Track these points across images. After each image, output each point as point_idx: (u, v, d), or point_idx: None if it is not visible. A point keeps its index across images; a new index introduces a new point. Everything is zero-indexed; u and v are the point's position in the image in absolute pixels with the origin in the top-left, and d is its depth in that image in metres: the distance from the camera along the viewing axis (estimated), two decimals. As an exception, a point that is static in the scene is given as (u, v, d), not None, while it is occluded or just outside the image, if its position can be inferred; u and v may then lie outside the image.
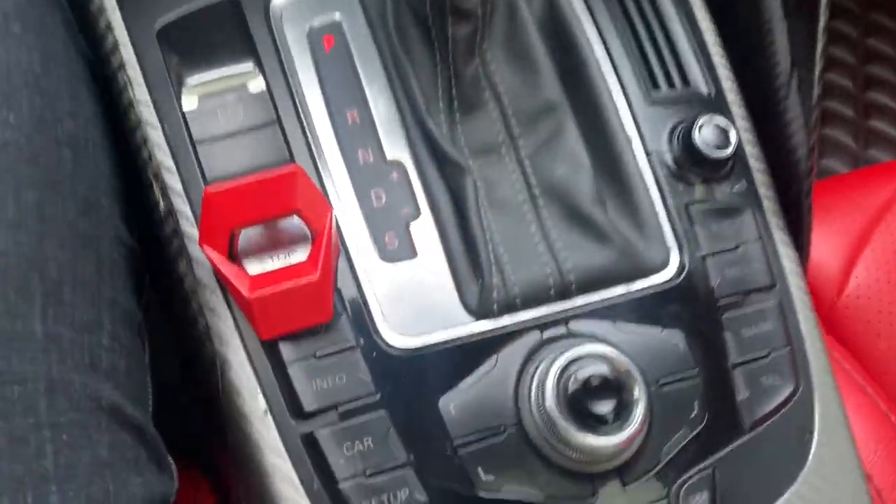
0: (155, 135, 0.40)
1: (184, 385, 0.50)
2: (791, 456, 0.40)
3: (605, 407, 0.35)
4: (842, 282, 0.67)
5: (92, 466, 0.31)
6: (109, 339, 0.34)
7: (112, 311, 0.35)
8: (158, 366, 0.40)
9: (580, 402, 0.36)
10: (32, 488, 0.28)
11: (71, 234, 0.33)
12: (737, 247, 0.43)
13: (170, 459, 0.37)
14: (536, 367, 0.38)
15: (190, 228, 0.40)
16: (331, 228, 0.38)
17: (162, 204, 0.39)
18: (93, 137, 0.38)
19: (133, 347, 0.36)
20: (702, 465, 0.39)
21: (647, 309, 0.41)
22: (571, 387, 0.36)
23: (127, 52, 0.40)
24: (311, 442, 0.36)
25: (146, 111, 0.40)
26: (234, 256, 0.39)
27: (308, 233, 0.40)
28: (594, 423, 0.36)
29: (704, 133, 0.43)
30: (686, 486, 0.38)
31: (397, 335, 0.39)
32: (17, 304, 0.30)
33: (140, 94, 0.40)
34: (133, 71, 0.40)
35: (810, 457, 0.40)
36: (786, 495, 0.40)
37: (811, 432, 0.41)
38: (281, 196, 0.37)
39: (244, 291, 0.36)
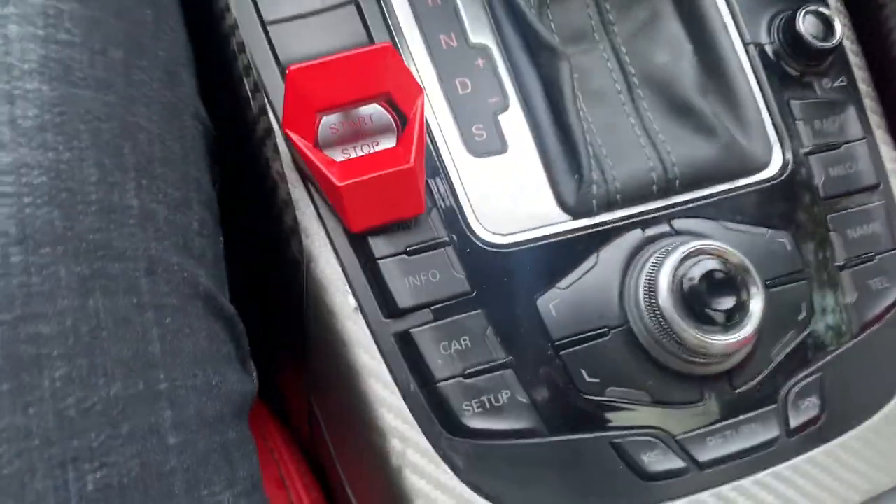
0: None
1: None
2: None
3: (726, 304, 0.33)
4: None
5: (194, 355, 0.28)
6: (198, 223, 0.31)
7: (198, 193, 0.32)
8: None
9: (697, 300, 0.33)
10: (142, 374, 0.26)
11: (158, 102, 0.30)
12: (840, 144, 0.41)
13: (251, 363, 0.35)
14: (644, 264, 0.35)
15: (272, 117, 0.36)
16: (423, 112, 0.35)
17: (246, 82, 0.36)
18: (168, 2, 0.34)
19: (216, 237, 0.33)
20: (810, 370, 0.37)
21: (752, 208, 0.38)
22: (687, 283, 0.34)
23: None
24: (405, 340, 0.34)
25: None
26: (316, 145, 0.36)
27: (391, 123, 0.37)
28: (710, 322, 0.33)
29: (808, 22, 0.40)
30: (795, 390, 0.37)
31: (490, 232, 0.36)
32: (112, 172, 0.27)
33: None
34: None
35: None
36: (895, 400, 0.38)
37: None
38: (371, 75, 0.34)
39: (334, 179, 0.34)
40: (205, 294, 0.30)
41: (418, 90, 0.35)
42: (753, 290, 0.34)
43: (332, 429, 0.39)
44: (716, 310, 0.33)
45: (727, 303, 0.33)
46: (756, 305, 0.34)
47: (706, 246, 0.34)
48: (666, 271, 0.34)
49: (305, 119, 0.34)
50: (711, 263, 0.34)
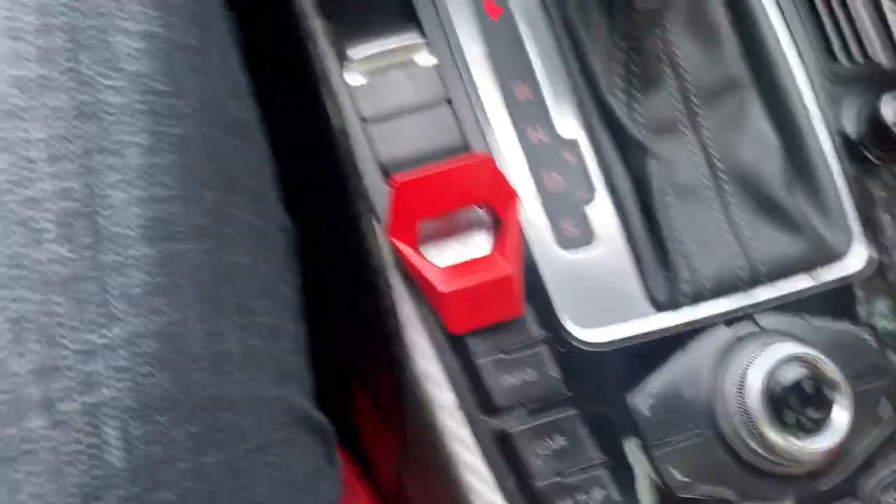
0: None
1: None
2: None
3: (819, 413, 0.34)
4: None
5: (294, 484, 0.29)
6: (292, 340, 0.32)
7: (288, 310, 0.33)
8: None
9: (787, 405, 0.34)
10: None
11: (250, 233, 0.31)
12: (925, 235, 0.41)
13: (335, 452, 0.36)
14: (735, 365, 0.36)
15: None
16: (518, 218, 0.36)
17: (350, 183, 0.37)
18: (253, 120, 0.34)
19: (303, 341, 0.34)
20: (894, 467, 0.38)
21: (836, 303, 0.39)
22: (778, 390, 0.35)
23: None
24: (503, 438, 0.36)
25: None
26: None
27: (483, 217, 0.38)
28: (797, 428, 0.35)
29: (891, 110, 0.41)
30: (882, 486, 0.38)
31: (582, 328, 0.37)
32: (215, 321, 0.28)
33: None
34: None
35: None
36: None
37: None
38: (471, 185, 0.36)
39: (439, 286, 0.35)
40: (300, 416, 0.31)
41: (513, 195, 0.36)
42: (844, 400, 0.35)
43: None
44: (810, 417, 0.34)
45: (818, 411, 0.34)
46: (844, 416, 0.35)
47: (801, 353, 0.35)
48: (757, 377, 0.35)
49: (409, 228, 0.35)
50: (804, 371, 0.35)
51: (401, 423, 0.39)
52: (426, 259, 0.36)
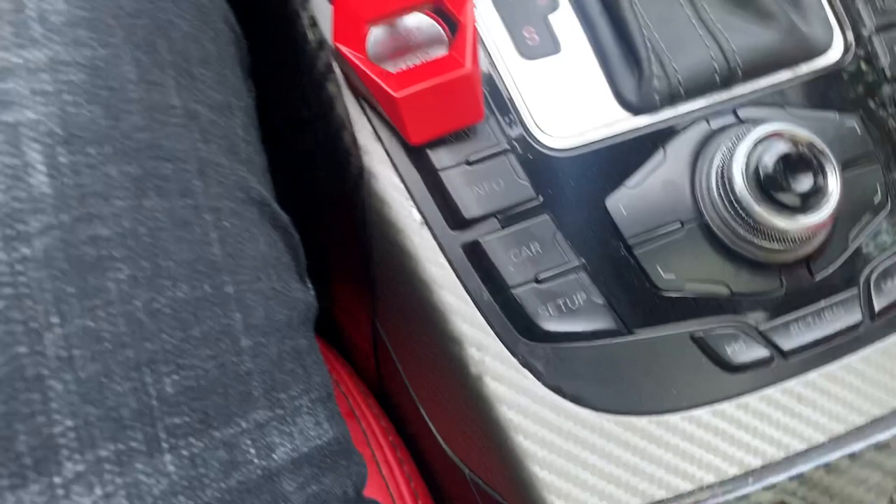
0: None
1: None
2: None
3: (804, 185, 0.32)
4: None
5: (255, 261, 0.27)
6: (242, 129, 0.30)
7: (238, 100, 0.30)
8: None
9: (774, 183, 0.32)
10: (206, 276, 0.25)
11: (192, 6, 0.28)
12: (904, 22, 0.39)
13: (308, 282, 0.34)
14: (714, 155, 0.34)
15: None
16: (473, 15, 0.34)
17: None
18: None
19: (259, 145, 0.32)
20: (893, 251, 0.36)
21: (818, 94, 0.37)
22: (763, 168, 0.33)
23: None
24: (474, 250, 0.34)
25: None
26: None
27: (440, 33, 0.36)
28: (788, 205, 0.32)
29: None
30: (877, 272, 0.36)
31: (550, 135, 0.35)
32: (150, 69, 0.25)
33: None
34: None
35: None
36: (980, 278, 0.37)
37: None
38: (418, -18, 0.33)
39: (391, 91, 0.33)
40: (259, 200, 0.29)
41: (467, -6, 0.34)
42: (829, 170, 0.33)
43: (401, 348, 0.39)
44: (794, 192, 0.32)
45: (805, 184, 0.32)
46: (833, 185, 0.33)
47: (779, 129, 0.33)
48: (739, 158, 0.33)
49: (355, 31, 0.33)
50: (785, 146, 0.33)
51: (368, 260, 0.37)
52: (376, 65, 0.33)
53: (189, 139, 0.26)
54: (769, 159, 0.32)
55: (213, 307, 0.25)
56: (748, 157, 0.33)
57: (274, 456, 0.26)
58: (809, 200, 0.33)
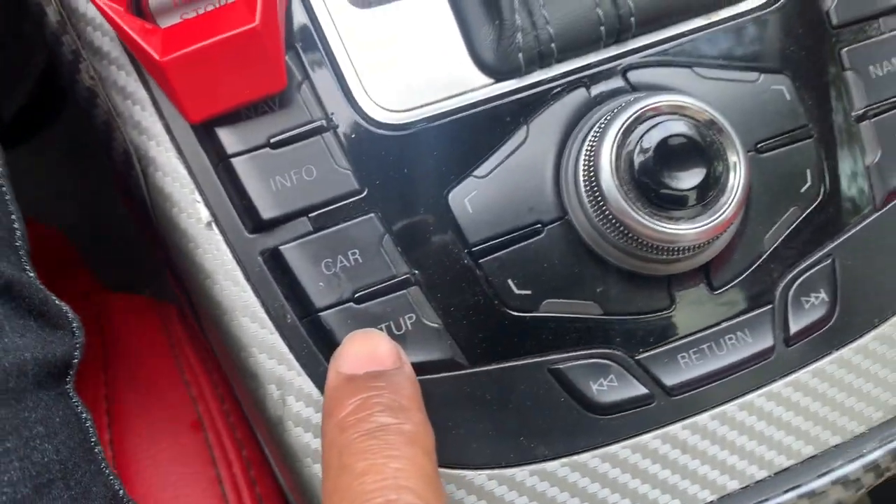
0: None
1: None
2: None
3: (689, 180, 0.24)
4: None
5: None
6: None
7: None
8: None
9: (652, 177, 0.25)
10: None
11: None
12: (858, -48, 0.30)
13: (63, 308, 0.27)
14: (585, 135, 0.26)
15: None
16: (270, -48, 0.25)
17: None
18: None
19: None
20: (818, 256, 0.28)
21: (737, 47, 0.29)
22: (638, 156, 0.25)
23: None
24: (276, 261, 0.26)
25: None
26: (142, 12, 0.27)
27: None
28: (672, 206, 0.25)
29: None
30: (797, 284, 0.28)
31: (384, 109, 0.27)
32: None
33: None
34: None
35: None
36: (931, 288, 0.29)
37: None
38: None
39: (154, 53, 0.25)
40: None
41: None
42: (732, 157, 0.25)
43: (224, 366, 0.32)
44: (676, 189, 0.24)
45: (691, 179, 0.24)
46: (735, 179, 0.25)
47: (661, 103, 0.25)
48: (608, 142, 0.25)
49: (110, -25, 0.25)
50: (670, 127, 0.25)
51: (169, 263, 0.30)
52: (137, 18, 0.25)
53: None
54: (646, 147, 0.25)
55: None
56: (619, 143, 0.25)
57: None
58: (702, 198, 0.25)
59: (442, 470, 0.26)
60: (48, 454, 0.24)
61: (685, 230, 0.25)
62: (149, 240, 0.33)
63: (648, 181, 0.25)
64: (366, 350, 0.25)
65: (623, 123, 0.25)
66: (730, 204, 0.25)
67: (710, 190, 0.25)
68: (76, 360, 0.26)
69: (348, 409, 0.23)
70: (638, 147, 0.25)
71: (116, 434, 0.36)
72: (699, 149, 0.25)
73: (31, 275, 0.26)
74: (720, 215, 0.25)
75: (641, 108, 0.25)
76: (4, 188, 0.26)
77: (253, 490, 0.38)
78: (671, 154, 0.25)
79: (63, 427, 0.25)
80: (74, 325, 0.27)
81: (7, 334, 0.24)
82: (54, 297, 0.26)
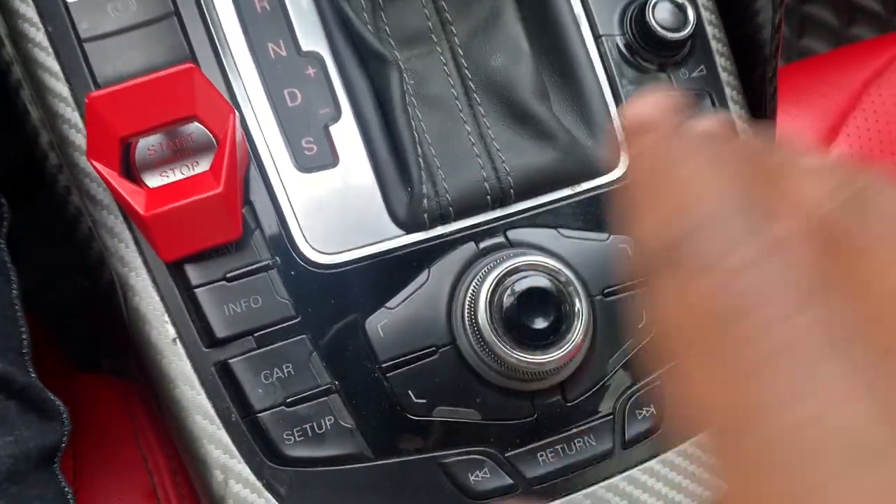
0: (33, 32, 0.35)
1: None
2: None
3: (541, 322, 0.33)
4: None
5: None
6: None
7: None
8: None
9: (516, 318, 0.33)
10: None
11: None
12: (694, 140, 0.39)
13: (56, 402, 0.34)
14: (470, 281, 0.34)
15: (80, 139, 0.35)
16: (234, 133, 0.33)
17: (34, 112, 0.34)
18: None
19: None
20: (648, 379, 0.37)
21: (592, 213, 0.37)
22: (506, 301, 0.33)
23: None
24: (225, 371, 0.34)
25: (21, 4, 0.35)
26: (130, 170, 0.35)
27: (212, 141, 0.36)
28: (531, 340, 0.33)
29: (659, 12, 0.39)
30: (632, 399, 0.36)
31: (318, 252, 0.35)
32: None
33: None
34: None
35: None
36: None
37: None
38: (175, 98, 0.33)
39: (139, 209, 0.33)
40: None
41: (228, 110, 0.34)
42: (577, 304, 0.33)
43: (179, 451, 0.39)
44: (532, 328, 0.33)
45: (543, 321, 0.33)
46: (578, 320, 0.33)
47: (525, 262, 0.33)
48: (484, 289, 0.33)
49: (109, 147, 0.33)
50: (530, 280, 0.33)
51: (140, 368, 0.37)
52: (126, 181, 0.33)
53: None
54: (513, 294, 0.33)
55: None
56: (492, 290, 0.33)
57: None
58: (552, 335, 0.33)
59: (345, 547, 0.33)
60: None
61: (541, 359, 0.33)
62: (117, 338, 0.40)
63: (513, 320, 0.33)
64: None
65: (497, 275, 0.33)
66: (575, 339, 0.33)
67: (559, 328, 0.33)
68: (64, 444, 0.33)
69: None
70: (507, 293, 0.33)
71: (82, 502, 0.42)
72: (552, 297, 0.33)
73: (34, 377, 0.33)
74: (567, 347, 0.33)
75: (512, 265, 0.33)
76: (17, 306, 0.33)
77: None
78: (531, 300, 0.33)
79: (54, 500, 0.31)
80: (64, 416, 0.34)
81: (18, 428, 0.30)
82: (51, 394, 0.33)
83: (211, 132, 0.34)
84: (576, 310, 0.33)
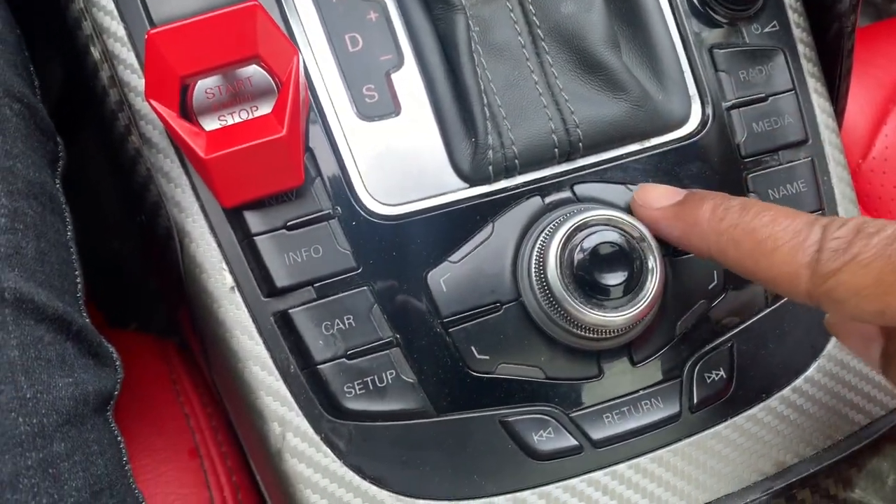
0: None
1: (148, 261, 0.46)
2: (817, 329, 0.36)
3: (615, 279, 0.31)
4: (868, 143, 0.62)
5: None
6: (8, 218, 0.29)
7: (9, 184, 0.29)
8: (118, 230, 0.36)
9: (587, 274, 0.31)
10: None
11: None
12: (766, 96, 0.38)
13: (110, 348, 0.33)
14: (538, 236, 0.33)
15: (136, 80, 0.34)
16: (297, 75, 0.32)
17: (94, 51, 0.33)
18: None
19: (45, 226, 0.31)
20: (719, 341, 0.35)
21: (663, 169, 0.36)
22: (577, 256, 0.32)
23: None
24: (285, 321, 0.33)
25: None
26: (187, 113, 0.34)
27: (272, 86, 0.34)
28: (602, 297, 0.32)
29: None
30: (701, 363, 0.35)
31: (378, 202, 0.34)
32: None
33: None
34: None
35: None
36: (810, 370, 0.36)
37: None
38: (237, 37, 0.32)
39: (199, 151, 0.31)
40: (15, 299, 0.28)
41: (292, 52, 0.32)
42: (650, 262, 0.32)
43: (228, 404, 0.38)
44: (605, 285, 0.31)
45: (617, 277, 0.31)
46: (652, 279, 0.32)
47: (598, 216, 0.32)
48: (555, 243, 0.32)
49: (169, 86, 0.32)
50: (603, 235, 0.32)
51: (192, 317, 0.36)
52: (187, 122, 0.32)
53: None
54: (584, 249, 0.32)
55: None
56: (563, 245, 0.32)
57: None
58: (626, 292, 0.32)
59: (409, 500, 0.32)
60: (100, 468, 0.29)
61: (612, 317, 0.32)
62: (163, 292, 0.39)
63: (584, 276, 0.32)
64: (664, 188, 0.33)
65: (568, 229, 0.32)
66: (647, 298, 0.32)
67: (632, 286, 0.32)
68: (117, 392, 0.32)
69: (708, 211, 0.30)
70: (578, 249, 0.32)
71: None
72: (625, 254, 0.32)
73: (88, 321, 0.32)
74: (639, 307, 0.32)
75: (582, 219, 0.32)
76: (72, 248, 0.32)
77: (240, 513, 0.44)
78: (603, 256, 0.32)
79: (109, 447, 0.31)
80: (118, 363, 0.33)
81: (76, 371, 0.30)
82: (104, 340, 0.32)
83: (273, 74, 0.33)
84: (649, 266, 0.32)
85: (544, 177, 0.35)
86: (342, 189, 0.34)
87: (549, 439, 0.33)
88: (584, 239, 0.32)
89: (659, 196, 0.33)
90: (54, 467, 0.27)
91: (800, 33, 0.40)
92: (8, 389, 0.26)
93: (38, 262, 0.30)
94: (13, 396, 0.26)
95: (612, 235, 0.32)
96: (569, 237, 0.32)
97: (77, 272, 0.32)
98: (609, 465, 0.34)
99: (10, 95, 0.31)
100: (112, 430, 0.32)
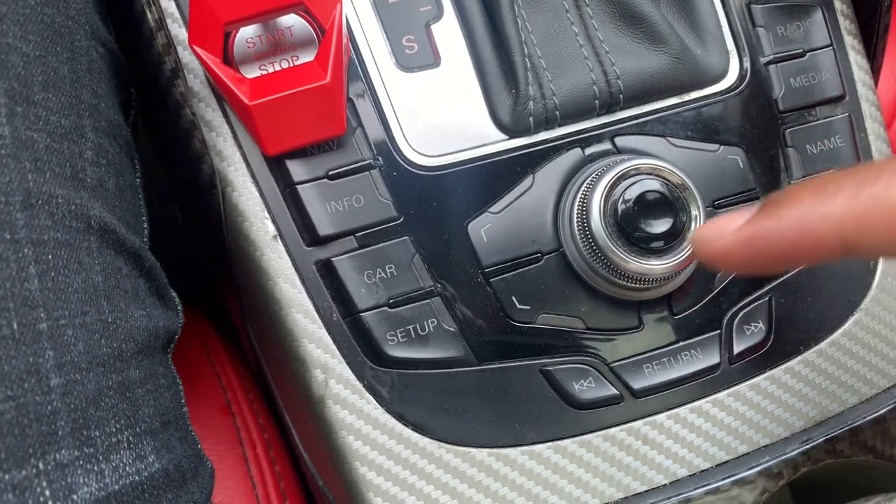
0: None
1: (184, 221, 0.46)
2: (854, 283, 0.36)
3: (660, 227, 0.31)
4: (894, 108, 0.62)
5: (84, 293, 0.27)
6: (94, 151, 0.29)
7: (95, 120, 0.30)
8: (151, 204, 0.36)
9: (631, 223, 0.31)
10: (17, 313, 0.24)
11: (36, 21, 0.27)
12: (804, 52, 0.38)
13: (173, 293, 0.34)
14: (579, 186, 0.33)
15: (178, 29, 0.34)
16: (341, 23, 0.32)
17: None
18: None
19: (122, 166, 0.31)
20: (758, 294, 0.35)
21: (702, 123, 0.36)
22: (621, 205, 0.32)
23: None
24: (327, 269, 0.33)
25: None
26: (229, 61, 0.34)
27: (312, 36, 0.34)
28: (645, 246, 0.32)
29: None
30: (741, 315, 0.35)
31: (419, 153, 0.34)
32: None
33: None
34: None
35: (874, 285, 0.37)
36: (847, 324, 0.36)
37: (876, 260, 0.37)
38: (281, -15, 0.32)
39: (244, 98, 0.31)
40: (99, 227, 0.28)
41: (334, 0, 0.32)
42: (694, 211, 0.32)
43: (266, 356, 0.38)
44: (649, 233, 0.31)
45: (661, 226, 0.31)
46: (694, 227, 0.32)
47: (641, 165, 0.32)
48: (598, 193, 0.32)
49: (212, 33, 0.31)
50: (647, 184, 0.32)
51: (230, 266, 0.36)
52: (230, 68, 0.32)
53: (16, 170, 0.25)
54: (628, 197, 0.31)
55: (20, 346, 0.24)
56: (606, 194, 0.32)
57: (74, 497, 0.25)
58: (669, 242, 0.32)
59: (450, 447, 0.33)
60: (167, 401, 0.30)
61: (654, 266, 0.32)
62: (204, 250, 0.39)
63: (628, 225, 0.32)
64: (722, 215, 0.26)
65: (611, 179, 0.32)
66: (689, 248, 0.32)
67: (675, 235, 0.32)
68: (177, 336, 0.32)
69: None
70: (621, 198, 0.32)
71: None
72: (668, 203, 0.32)
73: (157, 263, 0.32)
74: (682, 256, 0.32)
75: (626, 168, 0.32)
76: (140, 194, 0.33)
77: (273, 468, 0.44)
78: (647, 205, 0.32)
79: (172, 384, 0.31)
80: (179, 308, 0.33)
81: (148, 306, 0.30)
82: (167, 283, 0.33)
83: (317, 20, 0.32)
84: (692, 215, 0.32)
85: (584, 129, 0.35)
86: (382, 140, 0.34)
87: (590, 388, 0.33)
88: (627, 188, 0.32)
89: (723, 221, 0.26)
90: (130, 391, 0.28)
91: (837, -11, 0.39)
92: (92, 311, 0.27)
93: (117, 199, 0.30)
94: (97, 318, 0.27)
95: (655, 184, 0.32)
96: (612, 186, 0.32)
97: (144, 217, 0.33)
98: (649, 415, 0.34)
99: (97, 39, 0.31)
100: (173, 371, 0.32)
